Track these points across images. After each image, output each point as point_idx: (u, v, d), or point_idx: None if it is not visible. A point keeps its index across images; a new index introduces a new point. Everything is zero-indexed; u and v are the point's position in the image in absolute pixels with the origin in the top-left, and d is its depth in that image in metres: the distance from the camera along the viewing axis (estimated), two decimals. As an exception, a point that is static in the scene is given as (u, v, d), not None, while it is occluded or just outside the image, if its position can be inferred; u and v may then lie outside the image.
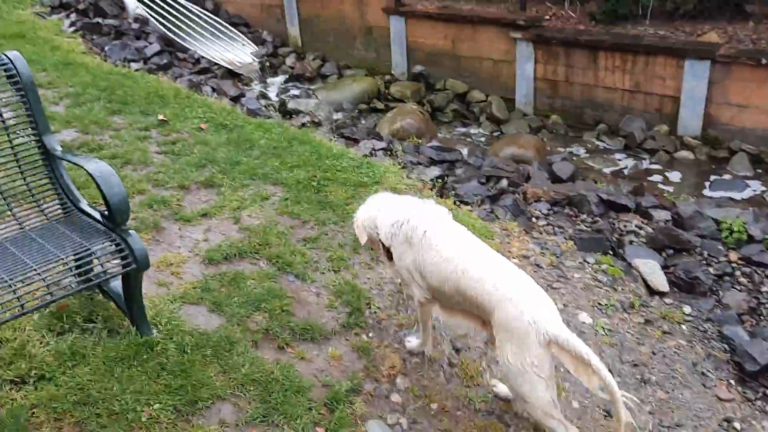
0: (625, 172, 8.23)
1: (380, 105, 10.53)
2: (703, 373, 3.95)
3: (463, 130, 9.88)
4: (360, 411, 3.16)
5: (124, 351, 3.13)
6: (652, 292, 4.69)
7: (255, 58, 12.11)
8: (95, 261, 2.96)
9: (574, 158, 8.47)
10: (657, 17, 9.36)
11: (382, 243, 3.34)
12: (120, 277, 3.08)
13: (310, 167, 5.38)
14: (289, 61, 12.31)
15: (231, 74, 11.31)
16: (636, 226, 5.59)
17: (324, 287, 3.98)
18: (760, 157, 7.98)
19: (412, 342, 3.60)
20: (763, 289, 4.84)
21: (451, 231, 3.19)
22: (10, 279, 2.72)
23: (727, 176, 7.87)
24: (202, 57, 11.39)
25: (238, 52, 12.10)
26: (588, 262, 4.82)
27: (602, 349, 3.93)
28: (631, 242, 5.32)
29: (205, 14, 12.63)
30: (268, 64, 12.16)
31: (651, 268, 4.82)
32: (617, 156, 8.61)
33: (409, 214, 3.23)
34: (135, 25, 11.83)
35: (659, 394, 3.72)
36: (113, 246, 2.97)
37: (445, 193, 5.87)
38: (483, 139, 9.52)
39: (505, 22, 9.79)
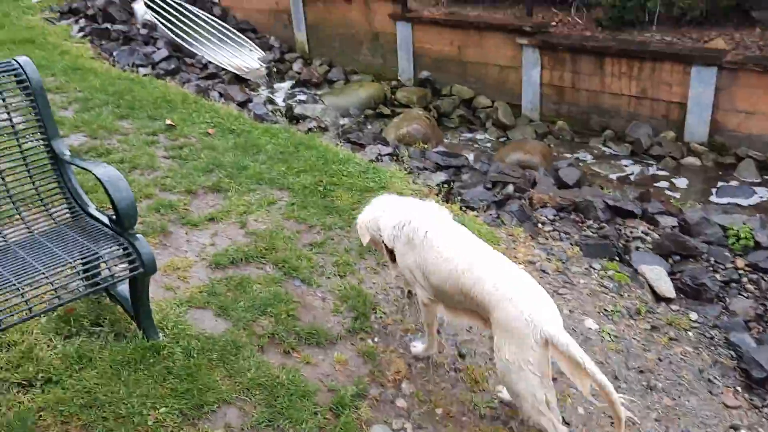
0: (632, 178, 8.22)
1: (386, 110, 10.54)
2: (709, 380, 3.93)
3: (469, 135, 9.88)
4: (365, 416, 3.16)
5: (130, 355, 3.15)
6: (658, 298, 4.67)
7: (262, 64, 12.16)
8: (103, 265, 2.98)
9: (581, 164, 8.45)
10: (664, 23, 9.35)
11: (386, 245, 3.39)
12: (127, 280, 3.10)
13: (317, 172, 5.39)
14: (296, 66, 12.36)
15: (238, 79, 11.36)
16: (642, 232, 5.58)
17: (330, 292, 3.99)
18: (767, 163, 7.95)
19: (418, 347, 3.61)
20: (771, 295, 4.82)
21: (452, 231, 3.25)
22: (19, 282, 2.74)
23: (733, 183, 7.85)
24: (210, 62, 11.44)
25: (245, 58, 12.15)
26: (594, 268, 4.81)
27: (608, 355, 3.92)
28: (637, 248, 5.31)
29: (212, 20, 12.69)
30: (275, 69, 12.20)
31: (657, 275, 4.81)
32: (624, 162, 8.60)
33: (411, 215, 3.28)
34: (143, 31, 11.91)
35: (665, 400, 3.70)
36: (121, 250, 2.99)
37: (451, 199, 5.87)
38: (489, 144, 9.52)
39: (511, 28, 9.80)
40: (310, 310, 3.81)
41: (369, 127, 10.01)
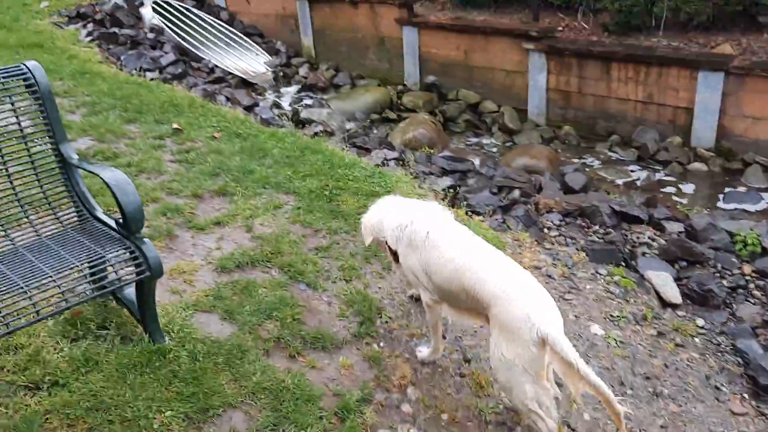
0: (638, 183, 8.19)
1: (392, 115, 10.55)
2: (716, 387, 3.91)
3: (476, 140, 9.88)
4: (371, 421, 3.16)
5: (136, 358, 3.16)
6: (664, 304, 4.66)
7: (269, 68, 12.19)
8: (109, 268, 3.00)
9: (587, 169, 8.44)
10: (670, 28, 9.34)
11: (389, 247, 3.44)
12: (134, 284, 3.11)
13: (323, 176, 5.40)
14: (303, 71, 12.39)
15: (245, 84, 11.40)
16: (649, 237, 5.56)
17: (335, 296, 3.99)
18: (775, 169, 7.93)
19: (423, 351, 3.61)
20: (778, 302, 4.79)
21: (453, 231, 3.30)
22: (26, 285, 2.75)
23: (741, 188, 7.82)
24: (217, 66, 11.48)
25: (252, 62, 12.19)
26: (600, 274, 4.80)
27: (614, 361, 3.91)
28: (643, 254, 5.29)
29: (219, 24, 12.75)
30: (281, 73, 12.23)
31: (664, 280, 4.79)
32: (630, 167, 8.58)
33: (412, 217, 3.34)
34: (151, 35, 11.97)
35: (672, 407, 3.69)
36: (127, 253, 3.00)
37: (457, 203, 5.87)
38: (495, 149, 9.52)
39: (517, 33, 9.81)
40: (316, 314, 3.81)
41: (375, 131, 10.03)
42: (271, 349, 3.46)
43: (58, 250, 3.06)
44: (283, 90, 11.77)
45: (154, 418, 2.88)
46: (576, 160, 8.79)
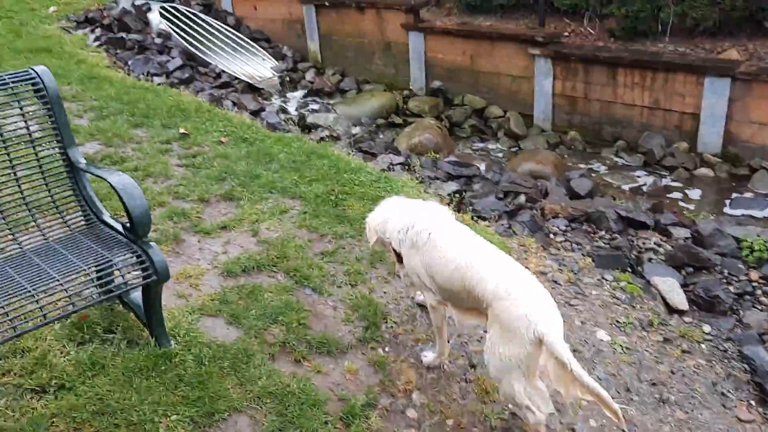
0: (644, 189, 8.17)
1: (398, 120, 10.56)
2: (722, 394, 3.89)
3: (481, 145, 9.88)
4: (376, 426, 3.16)
5: (142, 362, 3.17)
6: (671, 310, 4.64)
7: (275, 73, 12.23)
8: (116, 272, 3.01)
9: (593, 174, 8.42)
10: (676, 34, 9.33)
11: (393, 248, 3.49)
12: (140, 288, 3.12)
13: (329, 181, 5.41)
14: (309, 75, 12.42)
15: (251, 89, 11.43)
16: (655, 243, 5.55)
17: (341, 301, 4.00)
18: (782, 175, 7.90)
19: (429, 356, 3.61)
20: (785, 308, 4.77)
21: (454, 231, 3.33)
22: (34, 289, 2.77)
23: (747, 194, 7.79)
24: (223, 71, 11.52)
25: (258, 67, 12.23)
26: (606, 279, 4.79)
27: (620, 367, 3.90)
28: (650, 260, 5.28)
29: (226, 29, 12.80)
30: (287, 78, 12.26)
31: (670, 286, 4.78)
32: (636, 173, 8.56)
33: (414, 218, 3.38)
34: (158, 40, 12.02)
35: (678, 414, 3.67)
36: (134, 257, 3.01)
37: (462, 208, 5.87)
38: (501, 154, 9.51)
39: (523, 39, 9.81)
40: (321, 319, 3.81)
41: (381, 136, 10.04)
42: (276, 353, 3.47)
43: (65, 254, 3.08)
44: (289, 95, 11.80)
45: (160, 422, 2.89)
46: (582, 166, 8.77)
